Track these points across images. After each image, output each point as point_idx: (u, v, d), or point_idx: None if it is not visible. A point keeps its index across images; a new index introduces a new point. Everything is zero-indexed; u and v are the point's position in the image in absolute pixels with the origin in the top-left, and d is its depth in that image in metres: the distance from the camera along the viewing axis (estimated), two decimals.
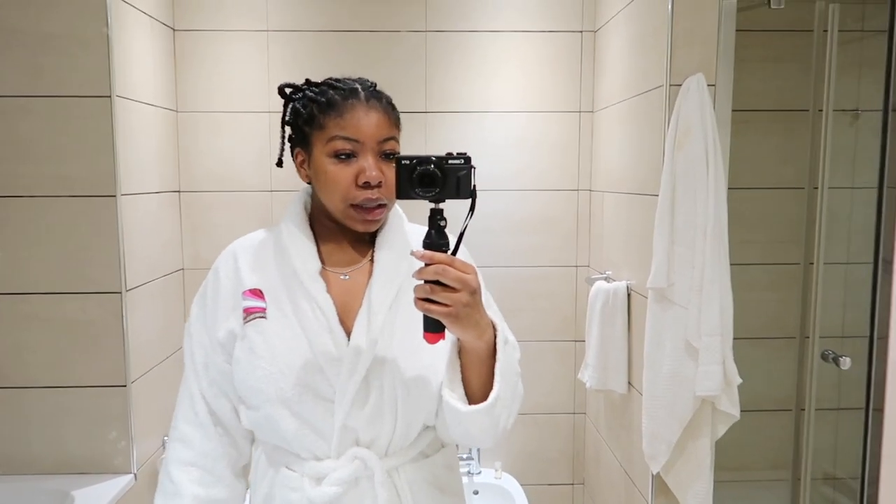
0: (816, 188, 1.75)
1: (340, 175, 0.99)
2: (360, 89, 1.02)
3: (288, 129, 1.08)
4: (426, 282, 0.84)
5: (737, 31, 1.58)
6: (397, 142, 1.03)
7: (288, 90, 1.06)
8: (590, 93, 2.29)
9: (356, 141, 0.98)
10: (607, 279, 2.03)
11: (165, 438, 2.03)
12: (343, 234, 1.07)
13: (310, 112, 1.01)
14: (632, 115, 1.89)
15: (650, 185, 1.72)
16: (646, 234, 1.70)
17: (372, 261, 1.06)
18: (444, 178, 0.86)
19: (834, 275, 1.79)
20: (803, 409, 1.83)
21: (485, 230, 2.29)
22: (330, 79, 1.05)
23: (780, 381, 1.90)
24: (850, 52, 1.75)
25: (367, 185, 0.98)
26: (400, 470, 1.04)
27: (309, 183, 1.07)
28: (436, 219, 0.87)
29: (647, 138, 1.76)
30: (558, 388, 2.39)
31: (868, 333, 1.70)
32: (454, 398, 0.95)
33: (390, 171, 0.93)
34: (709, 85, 1.53)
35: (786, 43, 1.85)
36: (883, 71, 1.64)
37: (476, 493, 2.23)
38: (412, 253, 0.85)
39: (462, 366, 0.95)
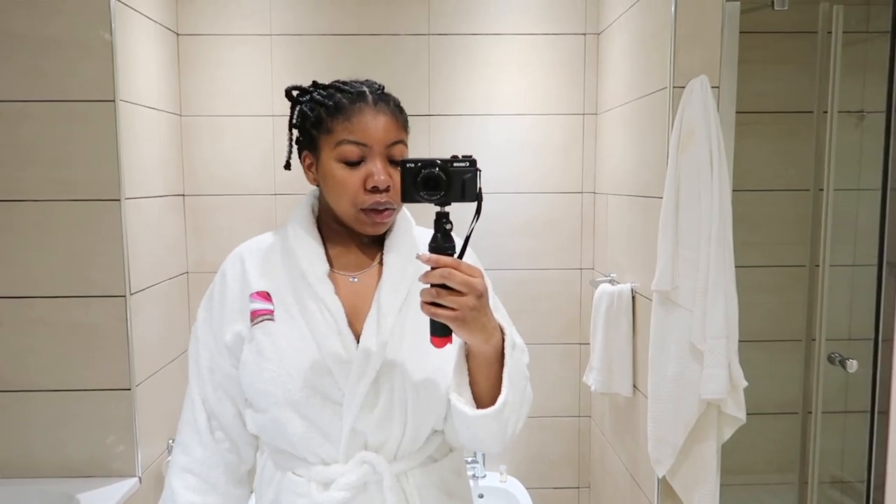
0: (822, 190, 1.75)
1: (348, 179, 0.98)
2: (367, 92, 1.01)
3: (295, 132, 1.07)
4: (432, 285, 0.83)
5: (740, 32, 1.58)
6: (406, 145, 1.02)
7: (295, 93, 1.06)
8: (593, 95, 2.29)
9: (364, 145, 0.98)
10: (612, 282, 2.03)
11: (170, 442, 2.03)
12: (351, 237, 1.06)
13: (317, 115, 1.01)
14: (635, 117, 1.89)
15: (654, 187, 1.72)
16: (650, 237, 1.70)
17: (381, 264, 1.05)
18: (449, 182, 0.85)
19: (840, 277, 1.79)
20: (810, 412, 1.82)
21: (488, 233, 2.29)
22: (337, 81, 1.04)
23: (787, 383, 1.90)
24: (855, 53, 1.74)
25: (375, 190, 0.97)
26: (409, 474, 1.02)
27: (317, 185, 1.06)
28: (442, 222, 0.86)
29: (651, 140, 1.76)
30: (563, 391, 2.38)
31: (873, 336, 1.69)
32: (462, 402, 0.94)
33: (398, 175, 0.92)
34: (712, 87, 1.53)
35: (790, 44, 1.85)
36: (886, 72, 1.63)
37: (481, 496, 2.22)
38: (418, 256, 0.85)
39: (470, 370, 0.94)
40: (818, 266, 1.77)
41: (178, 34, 2.20)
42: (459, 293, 0.83)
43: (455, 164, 0.85)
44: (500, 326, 0.92)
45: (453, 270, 0.83)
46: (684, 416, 1.56)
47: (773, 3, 1.58)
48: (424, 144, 2.26)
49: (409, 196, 0.86)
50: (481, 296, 0.85)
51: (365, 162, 0.98)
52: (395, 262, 1.03)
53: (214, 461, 1.06)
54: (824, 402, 1.80)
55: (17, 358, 1.79)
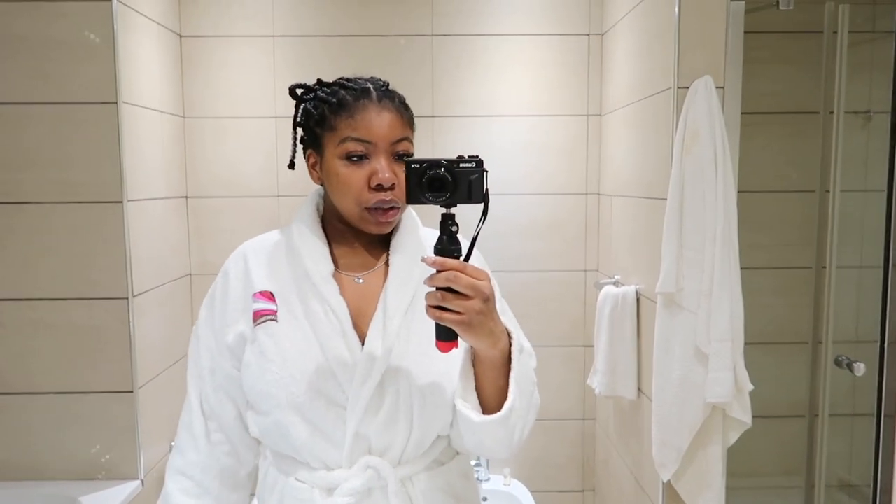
0: (828, 191, 1.74)
1: (352, 177, 0.97)
2: (372, 89, 1.00)
3: (299, 131, 1.06)
4: (438, 289, 0.82)
5: (745, 33, 1.57)
6: (411, 142, 1.01)
7: (299, 91, 1.04)
8: (597, 96, 2.28)
9: (368, 142, 0.96)
10: (616, 284, 2.02)
11: (172, 444, 2.02)
12: (356, 237, 1.05)
13: (321, 113, 1.00)
14: (639, 118, 1.88)
15: (658, 188, 1.71)
16: (655, 238, 1.69)
17: (387, 265, 1.03)
18: (454, 182, 0.83)
19: (847, 278, 1.77)
20: (817, 415, 1.81)
21: (492, 234, 2.28)
22: (341, 78, 1.03)
23: (793, 386, 1.88)
24: (861, 53, 1.73)
25: (379, 188, 0.96)
26: (414, 479, 1.01)
27: (321, 185, 1.05)
28: (447, 224, 0.84)
29: (655, 141, 1.75)
30: (567, 393, 2.37)
31: (879, 338, 1.68)
32: (467, 408, 0.92)
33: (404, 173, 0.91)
34: (717, 87, 1.52)
35: (795, 44, 1.83)
36: (892, 72, 1.62)
37: (485, 500, 2.21)
38: (423, 259, 0.83)
39: (476, 374, 0.93)
40: (825, 268, 1.76)
41: (180, 35, 2.20)
42: (465, 297, 0.81)
43: (461, 165, 0.83)
44: (507, 330, 0.90)
45: (459, 273, 0.81)
46: (689, 420, 1.54)
47: (777, 2, 1.57)
48: (428, 146, 2.25)
49: (414, 197, 0.85)
50: (488, 299, 0.83)
51: (369, 159, 0.97)
52: (401, 264, 1.02)
53: (209, 465, 1.05)
54: (832, 404, 1.78)
55: (19, 360, 1.79)
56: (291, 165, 1.07)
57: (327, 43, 2.22)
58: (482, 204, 0.85)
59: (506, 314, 1.02)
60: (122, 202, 1.76)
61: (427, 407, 0.98)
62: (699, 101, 1.50)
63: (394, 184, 0.97)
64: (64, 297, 1.77)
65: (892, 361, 1.65)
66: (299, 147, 1.07)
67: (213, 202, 2.26)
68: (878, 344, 1.67)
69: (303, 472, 1.01)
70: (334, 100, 0.99)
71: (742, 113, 1.58)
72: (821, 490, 1.81)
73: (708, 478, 1.56)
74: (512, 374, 0.90)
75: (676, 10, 1.59)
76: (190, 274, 2.28)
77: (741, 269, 1.49)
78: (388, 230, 1.02)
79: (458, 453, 1.08)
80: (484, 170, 0.84)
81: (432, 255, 0.83)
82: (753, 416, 1.53)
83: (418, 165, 0.84)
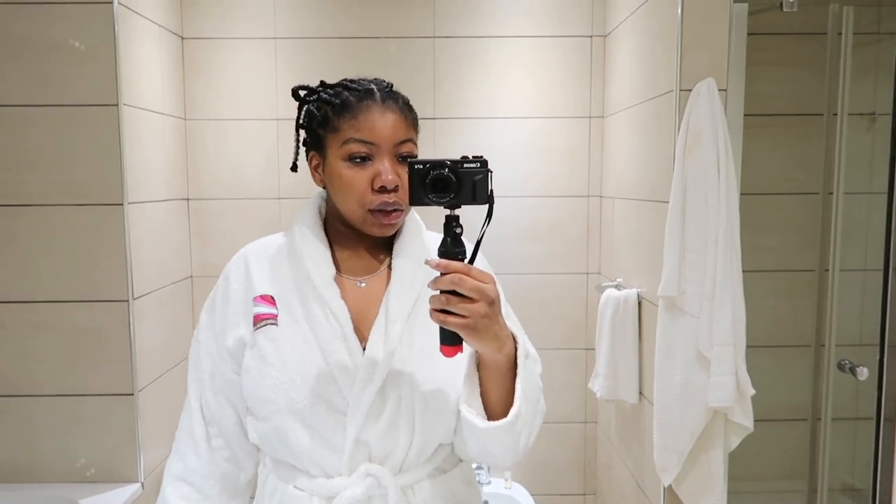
0: (831, 193, 1.73)
1: (355, 179, 0.96)
2: (375, 90, 0.99)
3: (302, 133, 1.05)
4: (442, 292, 0.80)
5: (748, 34, 1.57)
6: (415, 144, 1.00)
7: (302, 92, 1.04)
8: (599, 98, 2.27)
9: (371, 143, 0.95)
10: (618, 287, 2.01)
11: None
12: (359, 240, 1.03)
13: (324, 114, 0.99)
14: (642, 120, 1.87)
15: (661, 191, 1.70)
16: (657, 241, 1.68)
17: (389, 268, 1.02)
18: (458, 183, 0.82)
19: (850, 282, 1.76)
20: (819, 419, 1.80)
21: (494, 237, 2.27)
22: (345, 80, 1.02)
23: (796, 390, 1.88)
24: (865, 54, 1.72)
25: (383, 189, 0.95)
26: (415, 487, 0.99)
27: (323, 187, 1.04)
28: (451, 226, 0.83)
29: (658, 143, 1.74)
30: (569, 396, 2.36)
31: (879, 342, 1.67)
32: (472, 414, 0.90)
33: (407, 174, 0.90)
34: (720, 89, 1.51)
35: (799, 46, 1.83)
36: (893, 74, 1.62)
37: (486, 503, 2.20)
38: (427, 262, 0.81)
39: (480, 380, 0.91)
40: (828, 271, 1.75)
41: (182, 38, 2.20)
42: (470, 300, 0.80)
43: (465, 165, 0.82)
44: (512, 335, 0.89)
45: (464, 276, 0.80)
46: (691, 424, 1.54)
47: (781, 4, 1.56)
48: (430, 148, 2.25)
49: (417, 199, 0.83)
50: (493, 302, 0.81)
51: (372, 161, 0.96)
52: (404, 267, 1.01)
53: (209, 471, 1.04)
54: (834, 408, 1.77)
55: (19, 362, 1.78)
56: (294, 168, 1.06)
57: (329, 45, 2.22)
58: (487, 205, 0.83)
59: (510, 318, 1.01)
60: (123, 204, 1.76)
61: (429, 413, 0.96)
62: (702, 104, 1.50)
63: (397, 185, 0.95)
64: (65, 300, 1.77)
65: (891, 365, 1.64)
66: (302, 149, 1.06)
67: (215, 204, 2.25)
68: (879, 347, 1.66)
69: (302, 480, 0.99)
70: (337, 101, 0.98)
71: (745, 115, 1.58)
72: (823, 494, 1.80)
73: (709, 482, 1.55)
74: (518, 379, 0.89)
75: (679, 11, 1.58)
76: (191, 276, 2.27)
77: (743, 272, 1.48)
78: (391, 233, 1.01)
79: (461, 460, 1.06)
80: (488, 170, 0.83)
81: (436, 257, 0.82)
82: (756, 420, 1.52)
83: (421, 166, 0.83)
